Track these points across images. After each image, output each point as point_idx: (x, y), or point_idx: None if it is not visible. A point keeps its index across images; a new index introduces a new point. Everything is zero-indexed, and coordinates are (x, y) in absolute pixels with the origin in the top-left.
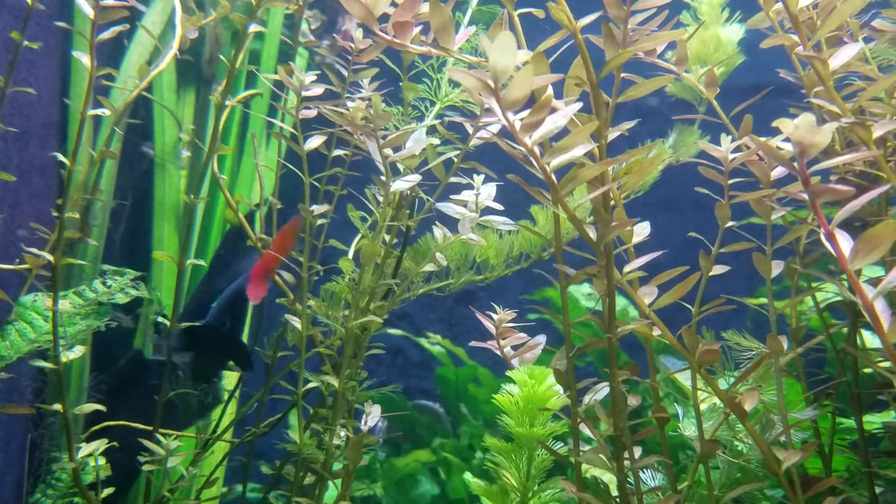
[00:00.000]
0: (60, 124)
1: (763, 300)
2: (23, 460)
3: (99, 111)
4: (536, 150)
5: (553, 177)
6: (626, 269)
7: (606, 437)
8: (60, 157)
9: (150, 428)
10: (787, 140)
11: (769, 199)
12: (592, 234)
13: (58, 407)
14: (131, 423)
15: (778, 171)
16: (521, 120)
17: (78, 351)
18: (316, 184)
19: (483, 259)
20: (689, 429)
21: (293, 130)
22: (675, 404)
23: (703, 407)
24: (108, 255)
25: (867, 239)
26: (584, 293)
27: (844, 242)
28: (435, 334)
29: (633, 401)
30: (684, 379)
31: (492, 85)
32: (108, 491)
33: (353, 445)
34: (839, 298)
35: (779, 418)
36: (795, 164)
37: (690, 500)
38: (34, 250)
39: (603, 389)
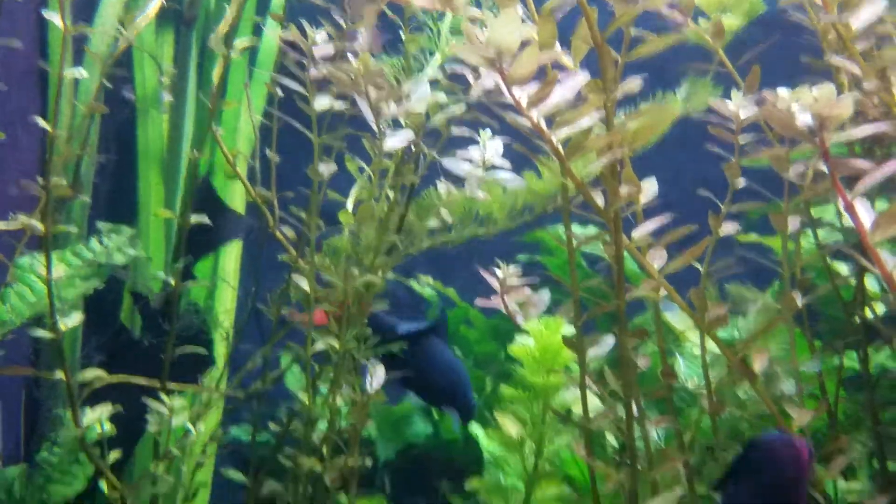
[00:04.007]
0: (41, 72)
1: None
2: (20, 418)
3: (78, 73)
4: (542, 123)
5: (560, 148)
6: (635, 234)
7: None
8: (42, 123)
9: (157, 384)
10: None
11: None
12: (600, 202)
13: (60, 375)
14: (132, 379)
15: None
16: (527, 95)
17: (76, 318)
18: (309, 135)
19: (486, 212)
20: (691, 380)
21: (296, 88)
22: (677, 356)
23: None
24: (94, 209)
25: (890, 213)
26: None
27: (865, 214)
28: (425, 276)
29: (642, 362)
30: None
31: (495, 61)
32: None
33: (359, 407)
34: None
35: (783, 370)
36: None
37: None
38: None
39: (609, 342)
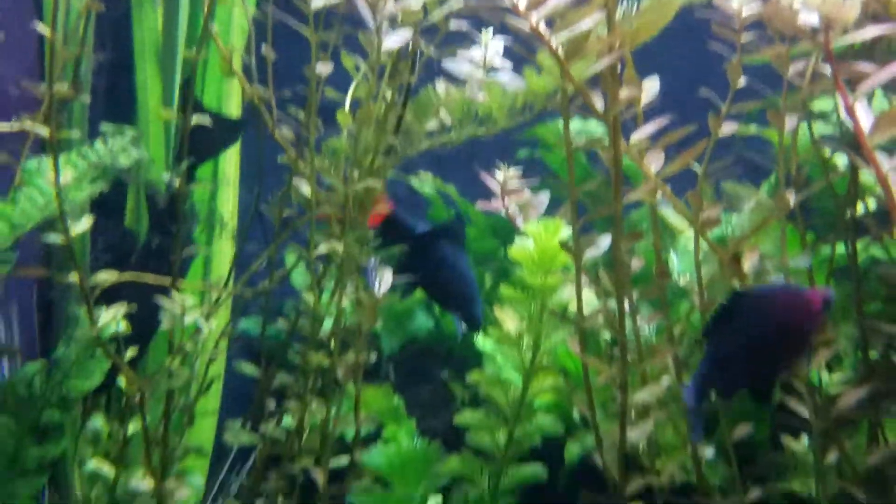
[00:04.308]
0: None
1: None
2: (34, 317)
3: None
4: (542, 26)
5: (560, 50)
6: (634, 137)
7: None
8: (40, 28)
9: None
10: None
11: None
12: (600, 105)
13: (74, 277)
14: (143, 278)
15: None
16: None
17: (85, 222)
18: (305, 33)
19: (486, 112)
20: (684, 276)
21: None
22: (672, 252)
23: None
24: (93, 108)
25: (889, 115)
26: (574, 130)
27: (864, 116)
28: (425, 173)
29: (636, 263)
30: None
31: None
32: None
33: (368, 308)
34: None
35: (772, 265)
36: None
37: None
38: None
39: (605, 243)
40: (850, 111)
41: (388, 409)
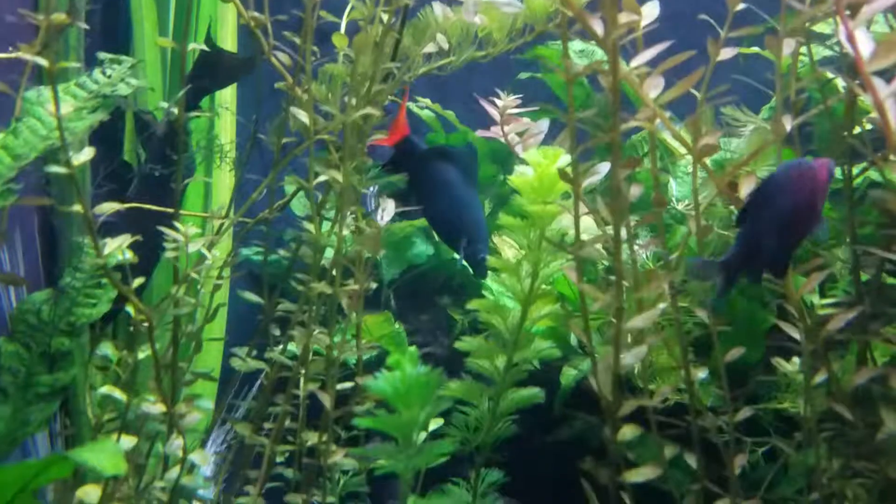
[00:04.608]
0: None
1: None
2: (38, 246)
3: None
4: None
5: None
6: (633, 63)
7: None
8: None
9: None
10: None
11: None
12: (599, 30)
13: (77, 207)
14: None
15: None
16: None
17: (87, 153)
18: None
19: (485, 33)
20: (681, 202)
21: None
22: (670, 178)
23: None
24: (88, 34)
25: (888, 42)
26: (576, 50)
27: (864, 43)
28: (423, 98)
29: (635, 190)
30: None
31: None
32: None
33: (371, 236)
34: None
35: None
36: None
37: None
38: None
39: (603, 170)
40: (851, 38)
41: (390, 336)
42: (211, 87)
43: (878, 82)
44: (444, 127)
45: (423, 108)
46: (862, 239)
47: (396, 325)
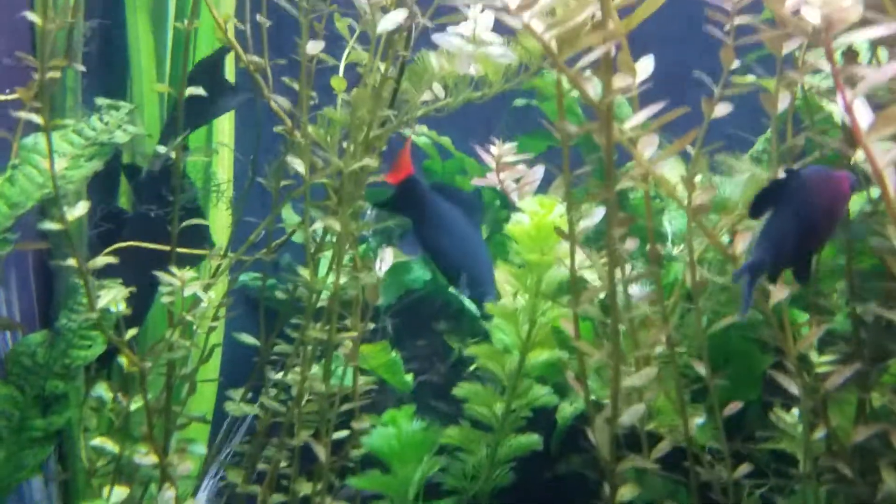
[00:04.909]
0: None
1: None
2: (32, 288)
3: None
4: (534, 23)
5: (553, 44)
6: (627, 125)
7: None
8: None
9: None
10: None
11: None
12: (593, 94)
13: (72, 262)
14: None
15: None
16: None
17: (82, 207)
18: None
19: (480, 76)
20: (677, 246)
21: None
22: (665, 220)
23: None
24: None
25: (888, 114)
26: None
27: (863, 114)
28: (420, 125)
29: (630, 244)
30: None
31: None
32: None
33: (370, 288)
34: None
35: None
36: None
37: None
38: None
39: (598, 214)
40: (849, 109)
41: (387, 364)
42: (204, 115)
43: (876, 151)
44: (439, 153)
45: (420, 134)
46: (859, 274)
47: (393, 353)
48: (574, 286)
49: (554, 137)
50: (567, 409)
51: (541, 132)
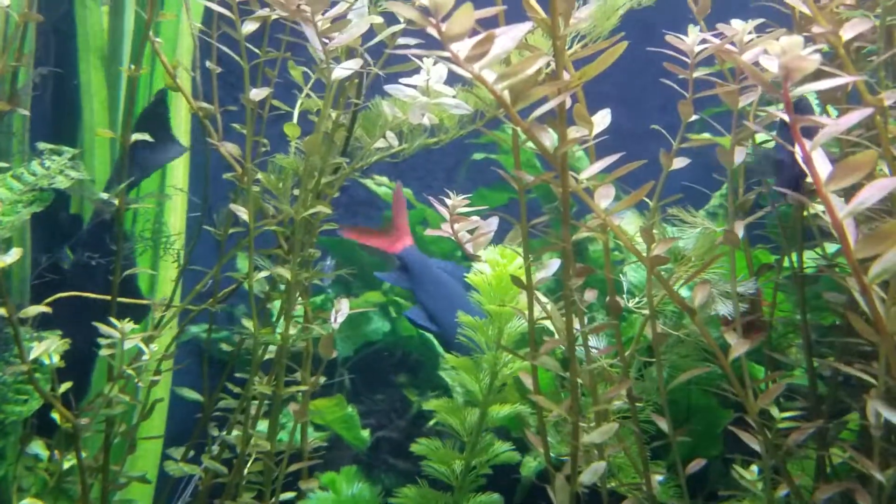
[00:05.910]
0: None
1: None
2: None
3: None
4: (485, 74)
5: (506, 96)
6: (583, 175)
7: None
8: None
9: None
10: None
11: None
12: (548, 144)
13: (2, 311)
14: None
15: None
16: (466, 50)
17: (14, 254)
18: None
19: (436, 122)
20: (631, 301)
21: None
22: (624, 272)
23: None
24: (35, 107)
25: (846, 164)
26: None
27: (822, 165)
28: (381, 176)
29: (589, 295)
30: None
31: (432, 20)
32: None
33: (324, 339)
34: None
35: (719, 293)
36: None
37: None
38: None
39: (555, 266)
40: (808, 160)
41: (342, 419)
42: (151, 152)
43: (835, 201)
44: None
45: (381, 185)
46: (816, 329)
47: (349, 408)
48: (532, 337)
49: (514, 189)
50: (531, 464)
51: (501, 184)
